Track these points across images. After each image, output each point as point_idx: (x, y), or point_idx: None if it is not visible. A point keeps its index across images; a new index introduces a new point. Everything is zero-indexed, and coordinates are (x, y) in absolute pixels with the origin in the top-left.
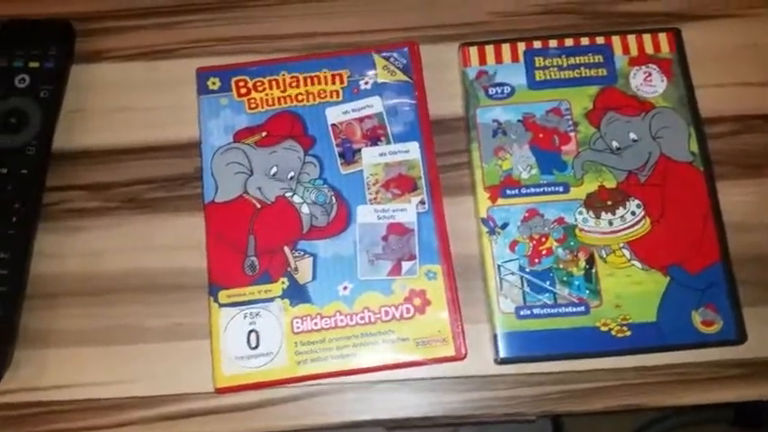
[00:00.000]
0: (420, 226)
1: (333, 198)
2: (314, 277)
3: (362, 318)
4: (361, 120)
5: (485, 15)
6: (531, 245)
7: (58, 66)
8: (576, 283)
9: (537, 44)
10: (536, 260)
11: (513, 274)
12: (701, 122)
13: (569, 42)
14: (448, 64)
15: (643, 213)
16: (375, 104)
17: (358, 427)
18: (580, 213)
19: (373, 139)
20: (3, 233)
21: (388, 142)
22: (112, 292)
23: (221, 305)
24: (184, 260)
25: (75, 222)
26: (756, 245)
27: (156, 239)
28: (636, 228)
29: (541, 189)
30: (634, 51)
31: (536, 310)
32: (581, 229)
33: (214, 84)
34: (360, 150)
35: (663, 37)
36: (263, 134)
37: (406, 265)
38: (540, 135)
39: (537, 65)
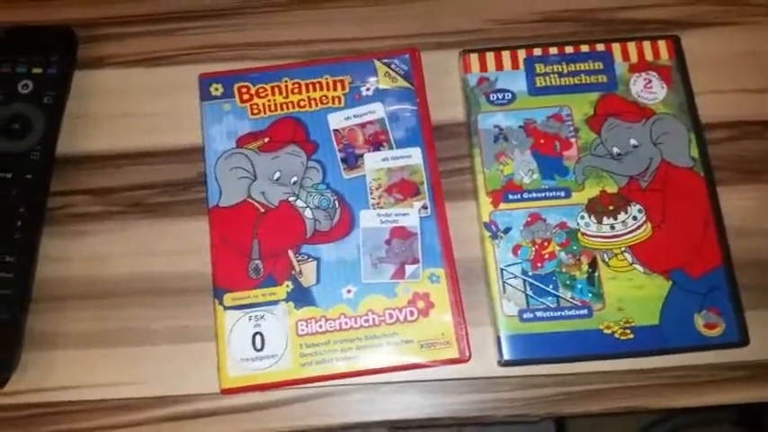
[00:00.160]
0: (423, 230)
1: (336, 202)
2: (318, 281)
3: (367, 320)
4: (363, 125)
5: (485, 23)
6: (533, 249)
7: (61, 72)
8: (579, 286)
9: (537, 51)
10: (539, 264)
11: (515, 277)
12: (701, 128)
13: (569, 49)
14: (449, 70)
15: (644, 218)
16: (377, 110)
17: (362, 428)
18: (582, 218)
19: (375, 144)
20: (8, 237)
21: (390, 147)
22: (118, 296)
23: (226, 308)
24: (189, 264)
25: (80, 227)
26: (756, 250)
27: (161, 243)
28: (637, 232)
29: (543, 194)
30: (634, 58)
31: (539, 313)
32: (583, 234)
33: (217, 90)
34: (362, 155)
35: (662, 44)
36: (266, 140)
37: (409, 269)
38: (542, 141)
39: (537, 71)
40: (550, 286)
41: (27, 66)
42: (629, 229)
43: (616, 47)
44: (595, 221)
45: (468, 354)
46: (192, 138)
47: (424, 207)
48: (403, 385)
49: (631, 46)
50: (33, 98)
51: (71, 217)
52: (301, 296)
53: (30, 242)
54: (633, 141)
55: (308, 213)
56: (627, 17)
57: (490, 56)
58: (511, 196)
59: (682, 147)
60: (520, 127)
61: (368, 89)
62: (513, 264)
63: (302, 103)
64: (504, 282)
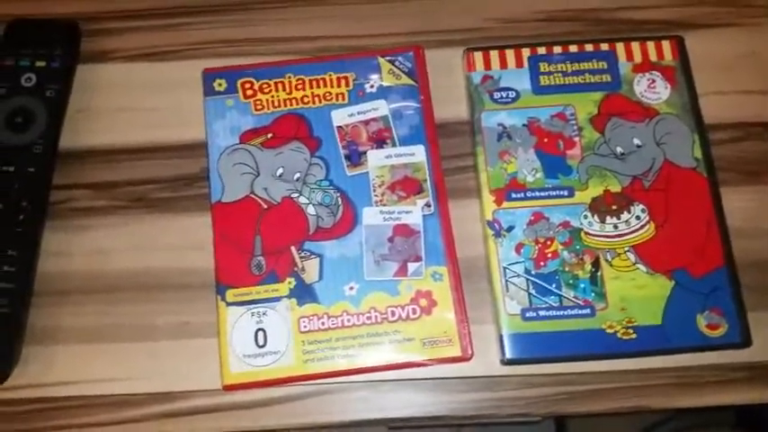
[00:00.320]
0: (426, 228)
1: (339, 199)
2: (320, 277)
3: (369, 318)
4: (366, 122)
5: (489, 21)
6: (536, 248)
7: (65, 65)
8: (582, 285)
9: (541, 50)
10: (542, 263)
11: (518, 276)
12: (704, 129)
13: (573, 48)
14: (452, 68)
15: (647, 218)
16: (380, 107)
17: (363, 425)
18: (585, 217)
19: (379, 141)
20: (10, 231)
21: (394, 145)
22: (120, 291)
23: (229, 304)
24: (191, 259)
25: (82, 221)
26: (759, 250)
27: (163, 239)
28: (640, 232)
29: (546, 193)
30: (638, 58)
31: (542, 312)
32: (586, 233)
33: (220, 85)
34: (365, 153)
35: (666, 44)
36: (269, 135)
37: (412, 267)
38: (545, 139)
39: (541, 70)
40: (553, 285)
41: (30, 59)
42: (632, 229)
43: (620, 46)
44: (598, 221)
45: (470, 352)
46: (196, 133)
47: (428, 205)
48: (405, 383)
49: (635, 46)
50: (36, 91)
51: (73, 211)
52: (304, 293)
53: (32, 236)
54: (636, 141)
55: (310, 210)
56: (628, 17)
57: (494, 54)
58: (514, 195)
59: (685, 147)
60: (523, 125)
61: (371, 86)
62: (516, 262)
63: (306, 100)
64: (506, 280)
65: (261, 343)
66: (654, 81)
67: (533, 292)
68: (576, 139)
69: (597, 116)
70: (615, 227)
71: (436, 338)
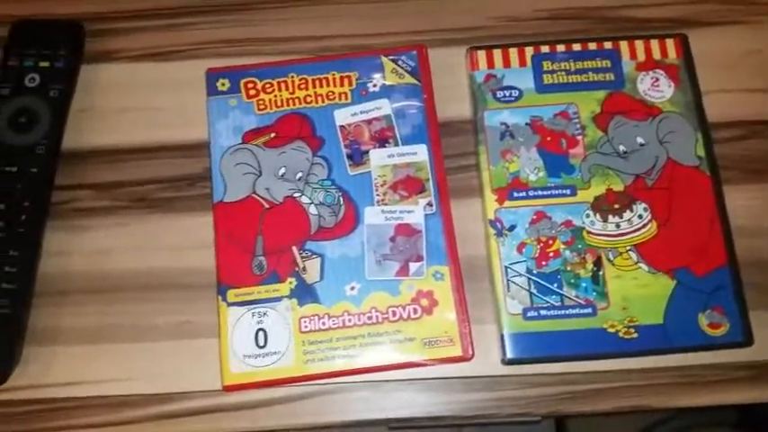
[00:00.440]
0: (428, 227)
1: (341, 199)
2: (322, 277)
3: (370, 318)
4: (369, 122)
5: (492, 20)
6: (538, 247)
7: (68, 66)
8: (584, 285)
9: (545, 48)
10: (543, 262)
11: (520, 275)
12: (707, 127)
13: (577, 47)
14: (455, 67)
15: (650, 217)
16: (383, 107)
17: (364, 426)
18: (587, 216)
19: (381, 140)
20: (12, 231)
21: (396, 144)
22: (121, 291)
23: (230, 304)
24: (193, 259)
25: (84, 221)
26: (761, 249)
27: (165, 239)
28: (643, 231)
29: (549, 192)
30: (641, 57)
31: (543, 312)
32: (588, 232)
33: (223, 85)
34: (368, 152)
35: (670, 43)
36: (272, 135)
37: (413, 266)
38: (548, 138)
39: (545, 69)
40: (555, 284)
41: (34, 59)
42: (634, 228)
43: (624, 45)
44: (601, 220)
45: (471, 352)
46: (199, 133)
47: (429, 204)
48: (406, 383)
49: (639, 44)
50: (40, 92)
51: (76, 211)
52: (305, 293)
53: (34, 236)
54: (640, 140)
55: (312, 210)
56: (632, 15)
57: (497, 53)
58: (516, 194)
59: (688, 145)
60: (526, 124)
61: (374, 85)
62: (518, 262)
63: (309, 99)
64: (508, 280)
65: (261, 343)
66: (657, 79)
67: (535, 291)
68: (579, 137)
69: (600, 115)
70: (617, 226)
71: (437, 338)
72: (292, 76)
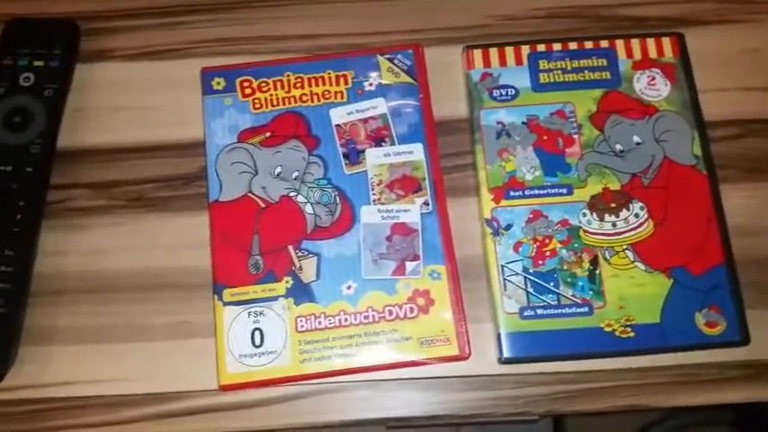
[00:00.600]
0: (424, 226)
1: (337, 198)
2: (318, 276)
3: (366, 317)
4: (365, 121)
5: (488, 19)
6: (534, 246)
7: (63, 65)
8: (580, 284)
9: (541, 47)
10: (540, 261)
11: (516, 274)
12: (704, 126)
13: (573, 46)
14: (452, 66)
15: (646, 216)
16: (379, 106)
17: (361, 425)
18: (584, 215)
19: (377, 140)
20: (7, 231)
21: (393, 143)
22: (117, 291)
23: (225, 303)
24: (189, 259)
25: (80, 220)
26: (759, 248)
27: (161, 238)
28: (639, 230)
29: (545, 191)
30: (638, 55)
31: (540, 311)
32: (585, 231)
33: (219, 84)
34: (364, 151)
35: (666, 41)
36: (268, 134)
37: (410, 266)
38: (544, 137)
39: (541, 67)
40: (551, 284)
41: (29, 58)
42: (630, 227)
43: (620, 44)
44: (597, 219)
45: (468, 351)
46: (195, 132)
47: (426, 203)
48: (402, 382)
49: (635, 43)
50: (34, 91)
51: (71, 211)
52: (301, 292)
53: (29, 236)
54: (636, 138)
55: (308, 209)
56: (629, 14)
57: (493, 52)
58: (513, 193)
59: (684, 144)
60: (523, 123)
61: (370, 84)
62: (515, 261)
63: (304, 98)
64: (504, 279)
65: (257, 343)
66: (654, 78)
67: (531, 290)
68: (576, 136)
69: (596, 113)
70: (614, 225)
71: (434, 337)
72: (288, 75)
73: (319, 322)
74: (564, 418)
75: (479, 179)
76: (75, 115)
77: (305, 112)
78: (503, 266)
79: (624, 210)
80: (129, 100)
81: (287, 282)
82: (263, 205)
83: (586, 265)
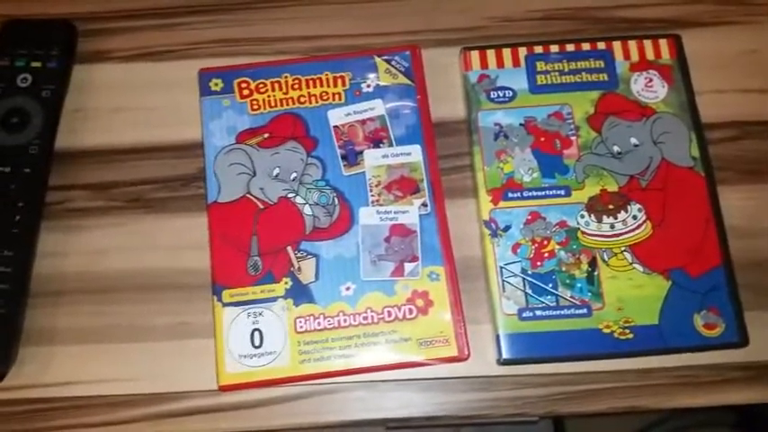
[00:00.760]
0: (422, 228)
1: (335, 199)
2: (317, 278)
3: (365, 318)
4: (363, 122)
5: (486, 20)
6: (533, 247)
7: (61, 66)
8: (579, 285)
9: (538, 49)
10: (538, 263)
11: (515, 276)
12: (701, 127)
13: (570, 47)
14: (449, 68)
15: (644, 217)
16: (377, 107)
17: (360, 426)
18: (582, 217)
19: (375, 141)
20: (6, 232)
21: (390, 144)
22: (116, 291)
23: (225, 304)
24: (188, 260)
25: (79, 221)
26: (757, 249)
27: (160, 239)
28: (637, 231)
29: (543, 192)
30: (635, 57)
31: (538, 312)
32: (583, 232)
33: (216, 85)
34: (362, 152)
35: (663, 43)
36: (266, 135)
37: (408, 267)
38: (542, 139)
39: (538, 69)
40: (550, 285)
41: (26, 59)
42: (629, 229)
43: (617, 45)
44: (595, 220)
45: (466, 352)
46: (193, 133)
47: (424, 205)
48: (401, 383)
49: (632, 44)
50: (32, 92)
51: (69, 212)
52: (300, 293)
53: (28, 237)
54: (634, 140)
55: (307, 210)
56: (626, 15)
57: (491, 53)
58: (511, 194)
59: (682, 146)
60: (520, 125)
61: (368, 86)
62: (513, 262)
63: (302, 99)
64: (503, 280)
65: (257, 343)
66: (651, 80)
67: (530, 291)
68: (573, 138)
69: (594, 115)
70: (612, 226)
71: (433, 338)
72: (286, 77)
73: (318, 323)
74: (564, 420)
75: (477, 180)
76: (74, 116)
77: (303, 114)
78: (501, 268)
79: (622, 211)
80: (127, 101)
81: (286, 283)
82: (261, 206)
83: (585, 266)
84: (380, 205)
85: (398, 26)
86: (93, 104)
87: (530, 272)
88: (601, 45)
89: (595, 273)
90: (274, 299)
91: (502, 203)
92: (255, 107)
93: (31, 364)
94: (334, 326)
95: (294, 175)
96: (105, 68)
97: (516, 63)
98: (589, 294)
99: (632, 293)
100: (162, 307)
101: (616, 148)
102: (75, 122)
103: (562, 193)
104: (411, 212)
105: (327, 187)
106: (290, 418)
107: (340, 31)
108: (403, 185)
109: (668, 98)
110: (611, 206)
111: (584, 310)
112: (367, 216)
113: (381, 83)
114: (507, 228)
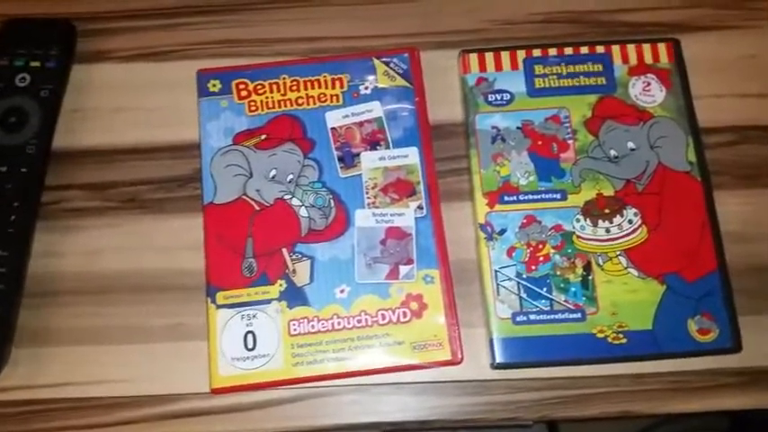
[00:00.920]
0: (418, 231)
1: (331, 201)
2: (311, 280)
3: (359, 321)
4: (360, 124)
5: (485, 23)
6: (528, 251)
7: (59, 65)
8: (573, 289)
9: (536, 52)
10: (533, 266)
11: (510, 279)
12: (699, 132)
13: (569, 51)
14: (447, 70)
15: (640, 222)
16: (375, 109)
17: (354, 429)
18: (578, 221)
19: (372, 143)
20: (2, 231)
21: (388, 147)
22: (110, 292)
23: (219, 306)
24: (183, 261)
25: (75, 222)
26: (752, 254)
27: (155, 240)
28: (633, 236)
29: (539, 196)
30: (633, 61)
31: (532, 316)
32: (578, 237)
33: (215, 86)
34: (359, 154)
35: (662, 47)
36: (263, 137)
37: (403, 270)
38: (539, 142)
39: (536, 72)
40: (544, 289)
41: (25, 59)
42: (624, 233)
43: (616, 49)
44: (591, 224)
45: (460, 356)
46: (190, 134)
47: (420, 207)
48: (395, 387)
49: (631, 48)
50: (30, 91)
51: (66, 212)
52: (294, 295)
53: (23, 236)
54: (631, 144)
55: (303, 212)
56: (626, 20)
57: (489, 56)
58: (507, 198)
59: (679, 150)
60: (518, 128)
61: (366, 88)
62: (508, 266)
63: (300, 101)
64: (498, 284)
65: (250, 346)
66: (649, 84)
67: (524, 295)
68: (570, 141)
69: (591, 119)
70: (607, 231)
71: (426, 342)
72: (284, 78)
73: (312, 326)
74: (558, 424)
75: (474, 183)
76: (72, 116)
77: (300, 115)
78: (496, 271)
79: (618, 216)
80: (125, 101)
81: (280, 285)
82: (257, 208)
83: (579, 270)
84: (376, 208)
85: (397, 28)
86: (92, 104)
87: (524, 276)
88: (599, 48)
89: (590, 277)
90: (268, 301)
91: (498, 207)
92: (253, 108)
93: (24, 366)
94: (327, 329)
95: (291, 176)
96: (105, 68)
97: (514, 66)
98: (583, 299)
99: (626, 298)
100: (158, 308)
101: (613, 152)
102: (73, 122)
103: (558, 196)
104: (407, 215)
105: (324, 189)
106: (284, 422)
107: (338, 33)
108: (399, 188)
109: (666, 102)
110: (606, 210)
111: (579, 315)
112: (363, 218)
113: (379, 85)
114: (503, 231)
